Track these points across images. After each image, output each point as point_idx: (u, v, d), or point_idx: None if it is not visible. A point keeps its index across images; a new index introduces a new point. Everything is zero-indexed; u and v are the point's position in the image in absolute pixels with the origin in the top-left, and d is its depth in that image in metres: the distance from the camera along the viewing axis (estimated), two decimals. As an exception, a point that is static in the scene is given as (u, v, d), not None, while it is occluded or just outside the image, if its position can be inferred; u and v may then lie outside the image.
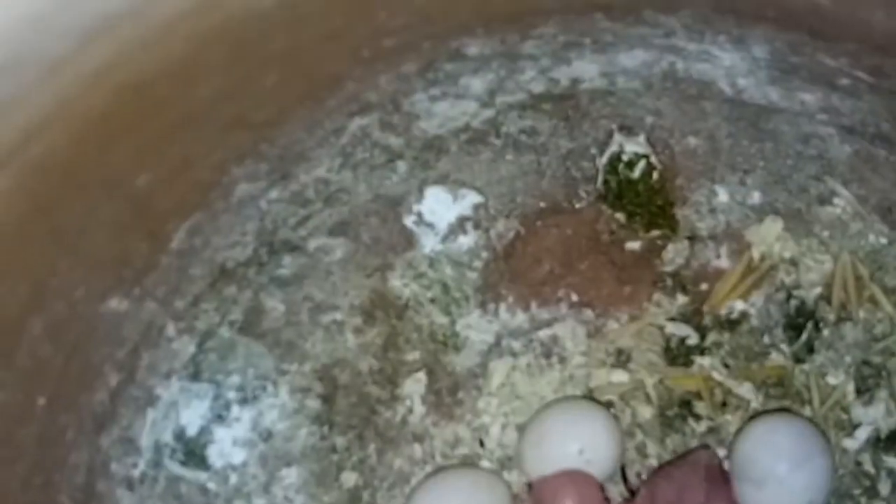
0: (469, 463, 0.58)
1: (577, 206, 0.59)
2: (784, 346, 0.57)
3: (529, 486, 0.56)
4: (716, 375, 0.57)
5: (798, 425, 0.54)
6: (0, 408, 0.43)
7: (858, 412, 0.56)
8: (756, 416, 0.55)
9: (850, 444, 0.56)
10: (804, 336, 0.57)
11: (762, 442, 0.53)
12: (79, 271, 0.44)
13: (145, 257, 0.49)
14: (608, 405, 0.57)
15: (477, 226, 0.59)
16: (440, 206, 0.59)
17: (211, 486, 0.57)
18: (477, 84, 0.54)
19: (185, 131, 0.42)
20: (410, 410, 0.58)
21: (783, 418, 0.54)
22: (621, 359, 0.58)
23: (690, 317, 0.58)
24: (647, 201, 0.58)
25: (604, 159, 0.58)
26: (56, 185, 0.36)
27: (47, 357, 0.46)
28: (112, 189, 0.41)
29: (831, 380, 0.56)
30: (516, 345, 0.59)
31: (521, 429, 0.57)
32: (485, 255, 0.59)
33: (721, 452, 0.56)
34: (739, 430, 0.55)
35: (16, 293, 0.39)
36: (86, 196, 0.39)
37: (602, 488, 0.55)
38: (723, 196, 0.58)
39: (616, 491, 0.57)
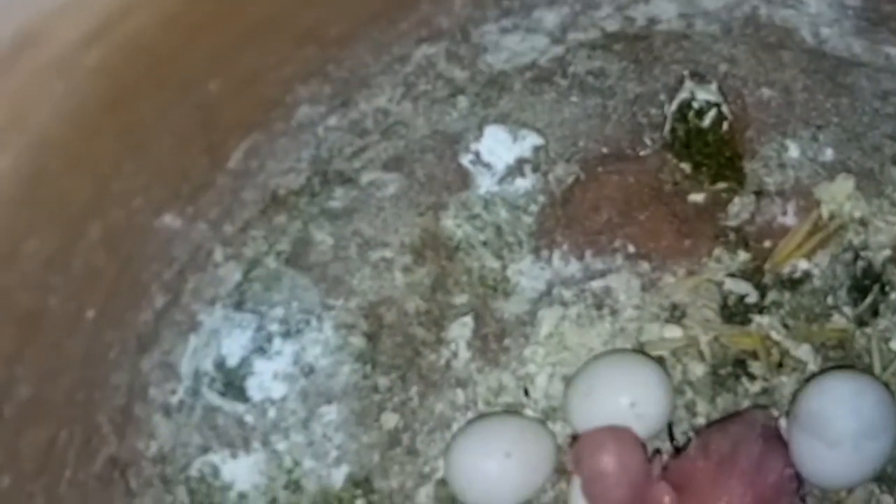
0: (512, 412, 0.56)
1: (642, 153, 0.58)
2: (847, 309, 0.56)
3: (574, 438, 0.54)
4: (773, 335, 0.56)
5: (882, 393, 0.52)
6: (52, 314, 0.42)
7: (925, 380, 0.55)
8: (826, 372, 0.54)
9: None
10: (869, 299, 0.55)
11: (846, 403, 0.51)
12: (141, 178, 0.43)
13: (203, 173, 0.48)
14: (659, 361, 0.55)
15: (535, 169, 0.58)
16: (499, 146, 0.58)
17: (248, 419, 0.56)
18: (550, 18, 0.52)
19: (262, 36, 0.40)
20: (455, 355, 0.57)
21: (870, 383, 0.52)
22: (675, 314, 0.57)
23: (751, 274, 0.57)
24: (715, 152, 0.57)
25: (673, 106, 0.57)
26: (139, 73, 0.34)
27: (101, 267, 0.44)
28: (185, 91, 0.40)
29: (895, 345, 0.55)
30: (567, 294, 0.57)
31: (567, 380, 0.55)
32: (541, 199, 0.58)
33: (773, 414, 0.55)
34: (808, 381, 0.53)
35: (82, 188, 0.38)
36: (162, 95, 0.38)
37: (645, 446, 0.54)
38: (793, 151, 0.57)
39: (663, 448, 0.55)
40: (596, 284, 0.57)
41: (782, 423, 0.54)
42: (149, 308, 0.51)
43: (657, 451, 0.54)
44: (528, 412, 0.56)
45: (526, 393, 0.56)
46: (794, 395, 0.54)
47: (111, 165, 0.39)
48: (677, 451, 0.55)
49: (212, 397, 0.56)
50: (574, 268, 0.57)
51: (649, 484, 0.52)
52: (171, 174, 0.45)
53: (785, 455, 0.52)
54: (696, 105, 0.56)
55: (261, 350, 0.56)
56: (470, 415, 0.56)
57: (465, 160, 0.58)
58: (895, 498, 0.54)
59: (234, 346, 0.56)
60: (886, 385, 0.53)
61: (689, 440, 0.54)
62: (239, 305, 0.56)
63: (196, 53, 0.37)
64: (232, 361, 0.56)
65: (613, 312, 0.57)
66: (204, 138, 0.45)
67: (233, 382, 0.56)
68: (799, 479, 0.52)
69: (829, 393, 0.52)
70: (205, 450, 0.55)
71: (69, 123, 0.33)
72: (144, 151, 0.41)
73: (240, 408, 0.56)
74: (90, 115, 0.34)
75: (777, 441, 0.52)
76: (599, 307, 0.57)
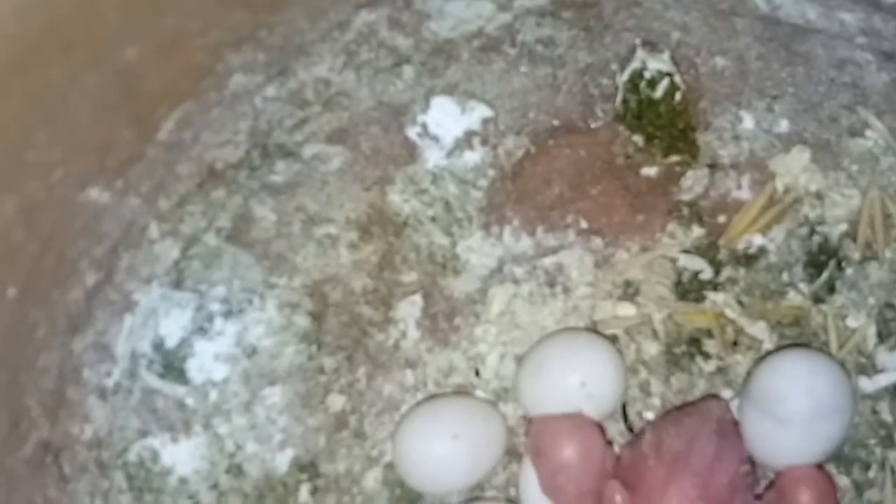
0: (463, 392, 0.55)
1: (593, 125, 0.56)
2: (803, 286, 0.54)
3: (529, 422, 0.53)
4: (728, 313, 0.54)
5: (838, 373, 0.50)
6: (-35, 292, 0.40)
7: (884, 358, 0.53)
8: (781, 350, 0.52)
9: (867, 385, 0.53)
10: (825, 275, 0.54)
11: (799, 381, 0.49)
12: (58, 149, 0.41)
13: (131, 146, 0.46)
14: (612, 340, 0.54)
15: (485, 142, 0.56)
16: (447, 118, 0.56)
17: (189, 401, 0.54)
18: (495, -17, 0.51)
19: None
20: (404, 335, 0.55)
21: (825, 362, 0.51)
22: (629, 291, 0.55)
23: (705, 250, 0.55)
24: (667, 124, 0.55)
25: (624, 76, 0.55)
26: (40, 33, 0.32)
27: (20, 243, 0.42)
28: (99, 56, 0.38)
29: (851, 322, 0.53)
30: (519, 271, 0.55)
31: (520, 360, 0.54)
32: (491, 173, 0.56)
33: (727, 394, 0.53)
34: (760, 360, 0.52)
35: (-13, 159, 0.36)
36: (70, 57, 0.36)
37: (604, 432, 0.52)
38: (748, 122, 0.55)
39: (615, 430, 0.54)
40: (548, 261, 0.56)
41: (735, 403, 0.52)
42: (79, 286, 0.49)
43: (608, 443, 0.53)
44: (479, 393, 0.55)
45: (477, 373, 0.55)
46: (749, 373, 0.52)
47: (21, 134, 0.37)
48: (631, 431, 0.54)
49: (150, 379, 0.54)
50: (525, 244, 0.56)
51: (605, 477, 0.51)
52: (92, 145, 0.43)
53: (741, 450, 0.50)
54: (647, 75, 0.55)
55: (201, 330, 0.55)
56: (419, 396, 0.55)
57: (412, 133, 0.56)
58: (852, 479, 0.52)
59: (173, 326, 0.54)
60: (842, 364, 0.52)
61: (642, 429, 0.52)
62: (177, 284, 0.54)
63: (107, 14, 0.35)
64: (171, 342, 0.54)
65: (566, 290, 0.55)
66: (128, 108, 0.43)
67: (172, 364, 0.54)
68: (754, 469, 0.51)
69: (783, 370, 0.50)
70: (144, 434, 0.54)
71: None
72: (59, 120, 0.39)
73: (180, 390, 0.54)
74: (-15, 77, 0.32)
75: (733, 435, 0.51)
76: (552, 285, 0.55)
